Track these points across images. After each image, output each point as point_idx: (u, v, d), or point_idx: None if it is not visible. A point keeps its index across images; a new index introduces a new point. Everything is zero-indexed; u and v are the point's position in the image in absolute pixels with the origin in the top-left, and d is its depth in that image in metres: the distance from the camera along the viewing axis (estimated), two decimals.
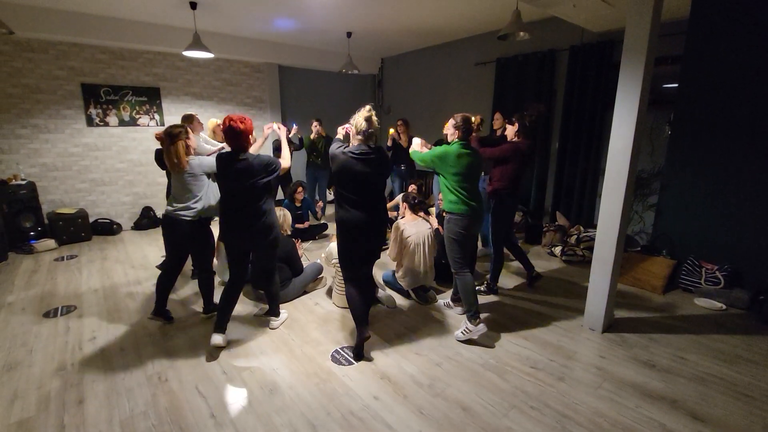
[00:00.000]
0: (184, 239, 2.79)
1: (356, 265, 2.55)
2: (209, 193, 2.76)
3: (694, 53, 3.59)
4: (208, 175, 2.77)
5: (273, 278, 2.84)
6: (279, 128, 2.93)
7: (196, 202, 2.71)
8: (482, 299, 3.38)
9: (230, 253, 2.67)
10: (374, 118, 2.37)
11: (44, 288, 3.65)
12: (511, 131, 3.30)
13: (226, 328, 2.66)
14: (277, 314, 2.97)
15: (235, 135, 2.44)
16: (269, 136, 2.87)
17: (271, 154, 5.42)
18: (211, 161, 2.72)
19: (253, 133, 2.57)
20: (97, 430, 1.95)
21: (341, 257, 2.56)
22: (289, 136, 5.33)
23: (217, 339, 2.57)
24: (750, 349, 2.66)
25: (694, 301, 3.38)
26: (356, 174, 2.33)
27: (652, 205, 4.29)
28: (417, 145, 2.94)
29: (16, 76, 4.79)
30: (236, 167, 2.46)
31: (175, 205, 2.71)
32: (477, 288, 3.43)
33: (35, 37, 4.73)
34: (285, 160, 2.74)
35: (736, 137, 3.42)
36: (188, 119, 3.70)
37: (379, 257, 2.66)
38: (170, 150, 2.62)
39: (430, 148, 2.87)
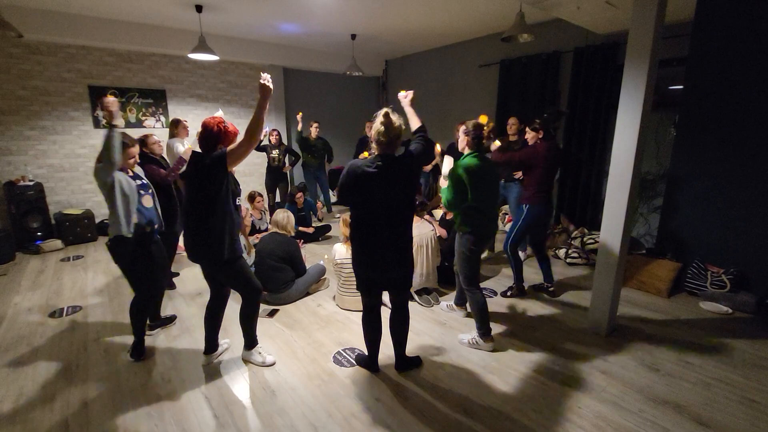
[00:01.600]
0: (127, 260, 2.43)
1: (373, 293, 2.27)
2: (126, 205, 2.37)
3: (699, 55, 3.57)
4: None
5: (249, 300, 2.35)
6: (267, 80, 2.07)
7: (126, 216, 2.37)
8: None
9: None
10: (395, 122, 1.99)
11: (50, 288, 3.69)
12: (532, 137, 3.28)
13: (218, 346, 2.53)
14: (253, 344, 2.50)
15: (205, 135, 2.14)
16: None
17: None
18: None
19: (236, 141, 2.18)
20: (101, 430, 1.97)
21: (358, 284, 2.26)
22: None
23: (207, 360, 2.49)
24: (756, 354, 2.63)
25: (699, 304, 3.35)
26: (371, 191, 2.01)
27: (658, 207, 4.26)
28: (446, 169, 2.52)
29: (25, 79, 4.85)
30: (191, 171, 2.14)
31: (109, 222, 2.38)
32: (508, 293, 3.48)
33: (44, 40, 4.80)
34: (259, 128, 2.09)
35: (742, 139, 3.39)
36: (175, 125, 3.88)
37: (405, 287, 2.26)
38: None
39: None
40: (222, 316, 2.49)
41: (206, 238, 2.14)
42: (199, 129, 2.19)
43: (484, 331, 2.62)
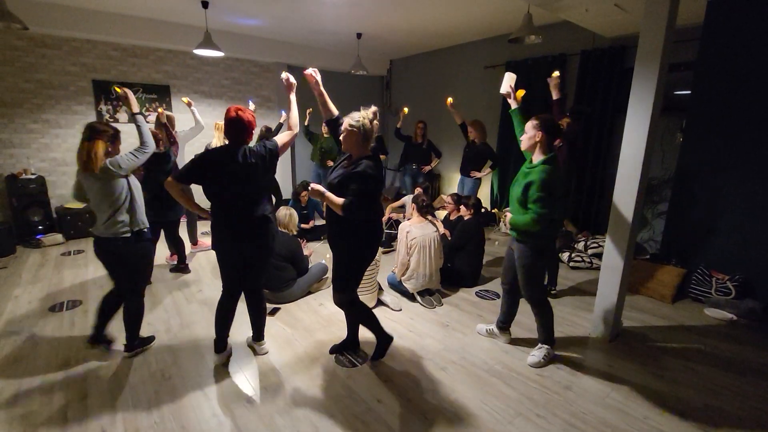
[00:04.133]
0: (116, 260, 2.34)
1: None
2: (135, 198, 2.35)
3: (708, 60, 3.55)
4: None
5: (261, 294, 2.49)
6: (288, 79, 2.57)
7: (120, 213, 2.27)
8: (489, 303, 3.35)
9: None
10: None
11: (51, 282, 3.68)
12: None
13: (226, 346, 2.49)
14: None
15: (240, 127, 2.18)
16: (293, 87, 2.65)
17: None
18: (131, 157, 2.30)
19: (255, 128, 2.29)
20: (100, 426, 1.95)
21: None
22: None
23: (219, 359, 2.47)
24: (761, 361, 2.60)
25: (704, 311, 3.32)
26: None
27: (662, 212, 4.24)
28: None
29: (30, 72, 4.84)
30: (233, 166, 2.13)
31: (98, 222, 2.27)
32: None
33: (49, 33, 4.79)
34: (294, 126, 2.55)
35: (749, 145, 3.36)
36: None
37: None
38: (85, 146, 2.18)
39: None
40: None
41: (258, 227, 2.26)
42: (223, 121, 2.23)
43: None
